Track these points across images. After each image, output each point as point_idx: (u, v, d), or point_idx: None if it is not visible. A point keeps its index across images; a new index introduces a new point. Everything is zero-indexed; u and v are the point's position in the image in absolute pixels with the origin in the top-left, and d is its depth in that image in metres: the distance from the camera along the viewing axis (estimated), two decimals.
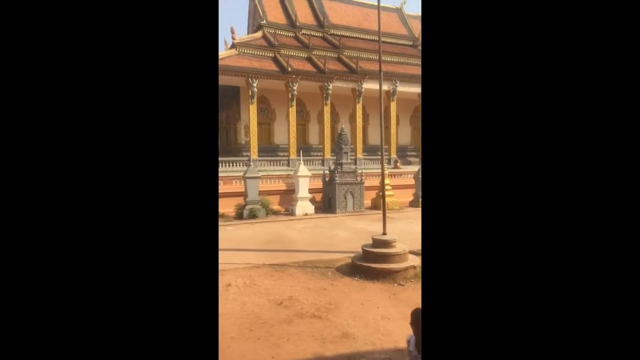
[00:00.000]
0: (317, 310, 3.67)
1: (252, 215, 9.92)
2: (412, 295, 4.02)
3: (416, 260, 4.87)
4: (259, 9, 16.96)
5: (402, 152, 17.24)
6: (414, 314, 1.71)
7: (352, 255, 5.36)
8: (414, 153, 17.88)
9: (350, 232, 8.02)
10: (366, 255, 4.94)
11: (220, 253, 6.58)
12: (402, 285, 4.37)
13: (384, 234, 5.12)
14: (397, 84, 15.83)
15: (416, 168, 13.36)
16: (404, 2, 21.05)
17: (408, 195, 12.56)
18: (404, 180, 13.28)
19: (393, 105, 15.95)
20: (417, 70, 17.27)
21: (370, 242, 5.12)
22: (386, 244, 4.91)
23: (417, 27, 20.71)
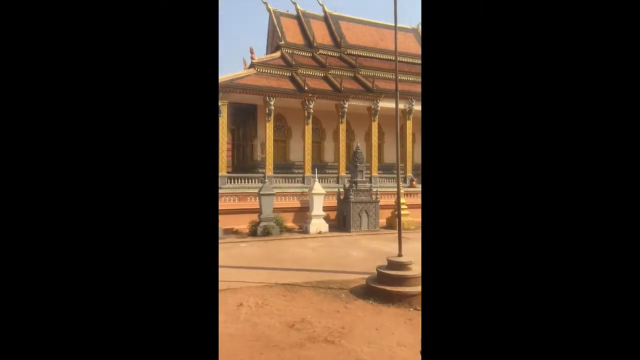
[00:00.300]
0: (329, 335, 3.56)
1: (266, 233, 9.89)
2: None
3: None
4: (278, 30, 17.42)
5: (418, 170, 17.05)
6: None
7: (366, 276, 5.23)
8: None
9: (365, 252, 7.88)
10: (381, 277, 4.81)
11: (233, 271, 6.55)
12: (419, 310, 4.21)
13: (400, 255, 4.99)
14: (413, 103, 15.81)
15: None
16: (420, 23, 21.28)
17: None
18: (420, 199, 13.07)
19: (409, 124, 15.89)
20: None
21: (385, 263, 4.99)
22: (402, 266, 4.77)
23: None
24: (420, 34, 20.98)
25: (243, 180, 13.02)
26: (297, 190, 12.67)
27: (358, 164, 11.32)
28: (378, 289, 4.63)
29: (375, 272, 5.00)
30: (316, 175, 12.10)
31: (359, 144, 12.26)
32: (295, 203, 11.99)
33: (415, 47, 20.30)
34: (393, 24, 5.43)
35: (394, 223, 10.76)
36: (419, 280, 4.63)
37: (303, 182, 13.77)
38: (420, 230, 10.60)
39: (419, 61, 19.36)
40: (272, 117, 13.73)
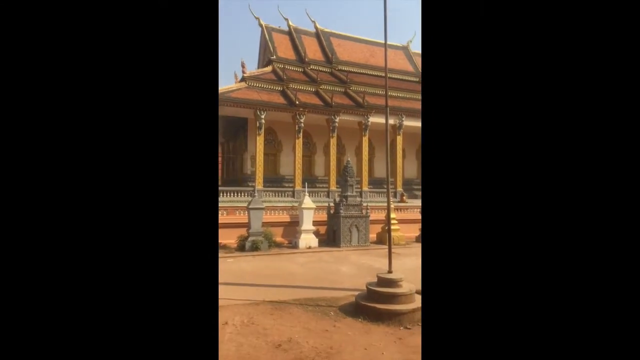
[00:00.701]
0: (317, 355, 3.43)
1: (255, 248, 9.72)
2: (419, 341, 3.77)
3: None
4: (270, 45, 17.58)
5: (408, 185, 17.12)
6: None
7: (356, 293, 5.12)
8: (421, 187, 17.73)
9: (355, 267, 7.77)
10: (371, 295, 4.71)
11: (219, 287, 6.36)
12: (409, 329, 4.11)
13: (390, 271, 4.91)
14: (403, 118, 15.98)
15: None
16: (410, 41, 21.73)
17: (414, 230, 12.31)
18: (411, 214, 13.06)
19: (399, 139, 16.02)
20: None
21: (375, 279, 4.90)
22: (392, 283, 4.69)
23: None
24: (410, 51, 21.41)
25: (232, 194, 12.86)
26: (287, 204, 12.55)
27: (348, 179, 11.30)
28: (367, 306, 4.53)
29: (365, 289, 4.90)
30: (306, 189, 12.03)
31: (349, 159, 12.27)
32: (284, 217, 11.86)
33: (405, 64, 20.67)
34: (383, 41, 5.49)
35: (384, 238, 10.70)
36: (409, 298, 4.55)
37: (293, 196, 13.67)
38: (410, 246, 10.59)
39: (409, 78, 19.71)
40: (262, 130, 13.70)
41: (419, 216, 12.43)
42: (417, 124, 16.51)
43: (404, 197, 15.19)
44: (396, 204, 13.43)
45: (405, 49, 21.54)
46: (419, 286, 5.24)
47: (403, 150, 16.84)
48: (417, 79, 20.10)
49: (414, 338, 3.85)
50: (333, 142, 14.90)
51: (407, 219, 12.70)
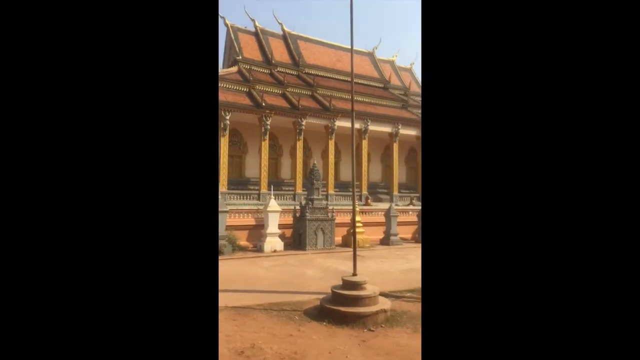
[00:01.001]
0: None
1: (218, 252, 9.46)
2: (382, 343, 3.82)
3: (387, 304, 4.70)
4: (236, 45, 17.29)
5: (373, 189, 17.44)
6: None
7: (321, 296, 5.11)
8: (385, 190, 18.12)
9: (320, 271, 7.77)
10: (335, 298, 4.72)
11: None
12: (373, 331, 4.16)
13: (355, 274, 4.95)
14: (369, 123, 16.28)
15: (387, 205, 13.45)
16: (376, 48, 22.24)
17: (379, 233, 12.54)
18: (375, 217, 13.29)
19: (364, 143, 16.29)
20: (388, 111, 17.91)
21: (340, 282, 4.92)
22: (356, 285, 4.73)
23: (387, 71, 21.75)
24: (376, 57, 21.88)
25: None
26: (252, 207, 12.35)
27: (315, 182, 11.32)
28: (332, 309, 4.53)
29: (330, 292, 4.91)
30: (272, 192, 11.90)
31: (315, 162, 12.30)
32: (249, 220, 11.65)
33: (371, 70, 21.11)
34: (350, 47, 5.55)
35: (350, 241, 10.80)
36: (373, 300, 4.60)
37: (259, 198, 13.48)
38: (374, 249, 10.78)
39: (374, 84, 20.14)
40: (227, 131, 13.41)
41: (383, 219, 12.68)
42: (382, 128, 16.89)
43: (369, 201, 15.45)
44: (361, 207, 13.63)
45: (371, 55, 22.00)
46: (383, 288, 5.32)
47: (368, 155, 17.14)
48: (382, 85, 20.58)
49: (378, 340, 3.90)
50: (300, 145, 14.88)
51: (371, 221, 12.92)
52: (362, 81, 19.11)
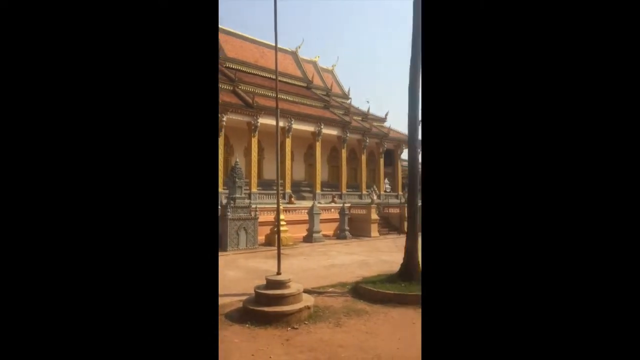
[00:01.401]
0: None
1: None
2: (306, 340, 3.84)
3: (310, 300, 4.75)
4: None
5: (296, 187, 17.56)
6: None
7: (244, 298, 4.96)
8: (308, 189, 18.38)
9: (243, 271, 7.55)
10: (259, 298, 4.62)
11: None
12: (296, 328, 4.16)
13: (279, 273, 4.90)
14: (292, 122, 16.34)
15: (310, 203, 13.65)
16: (299, 47, 22.40)
17: (302, 231, 12.66)
18: (298, 215, 13.40)
19: (288, 142, 16.31)
20: (311, 110, 18.19)
21: (264, 282, 4.83)
22: (280, 284, 4.68)
23: (310, 71, 22.08)
24: (299, 57, 22.03)
25: None
26: None
27: (237, 180, 10.96)
28: (255, 310, 4.42)
29: (253, 292, 4.79)
30: None
31: (237, 159, 11.92)
32: None
33: (294, 69, 21.20)
34: (273, 43, 5.47)
35: (273, 240, 10.71)
36: (297, 298, 4.61)
37: None
38: (297, 247, 10.83)
39: (298, 82, 20.28)
40: None
41: (306, 217, 12.85)
42: (306, 127, 17.09)
43: (293, 199, 15.52)
44: (285, 206, 13.61)
45: (294, 54, 22.09)
46: (306, 285, 5.36)
47: (292, 153, 17.20)
48: (305, 85, 20.81)
49: (301, 337, 3.91)
50: (220, 141, 14.29)
51: (295, 219, 12.99)
52: (286, 79, 19.10)
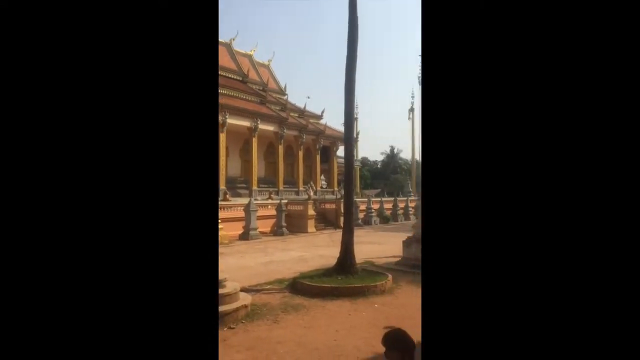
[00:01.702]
0: None
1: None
2: (243, 339, 3.75)
3: (247, 299, 4.65)
4: None
5: (231, 183, 17.05)
6: (387, 337, 1.54)
7: None
8: (244, 185, 17.96)
9: None
10: None
11: None
12: (233, 328, 4.05)
13: None
14: (227, 116, 15.81)
15: (246, 200, 13.35)
16: (234, 39, 21.69)
17: (238, 228, 12.35)
18: (234, 212, 13.03)
19: (223, 137, 15.75)
20: (247, 105, 17.76)
21: None
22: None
23: (245, 65, 21.52)
24: (233, 49, 21.34)
25: None
26: None
27: None
28: None
29: None
30: None
31: None
32: None
33: (228, 62, 20.51)
34: None
35: None
36: (234, 297, 4.49)
37: None
38: (233, 245, 10.51)
39: (232, 76, 19.65)
40: None
41: (243, 214, 12.55)
42: (241, 122, 16.64)
43: (227, 196, 15.04)
44: (220, 203, 13.13)
45: (228, 46, 21.35)
46: (244, 283, 5.24)
47: (227, 149, 16.65)
48: (240, 78, 20.24)
49: (238, 337, 3.81)
50: None
51: (230, 217, 12.60)
52: (221, 72, 18.39)
